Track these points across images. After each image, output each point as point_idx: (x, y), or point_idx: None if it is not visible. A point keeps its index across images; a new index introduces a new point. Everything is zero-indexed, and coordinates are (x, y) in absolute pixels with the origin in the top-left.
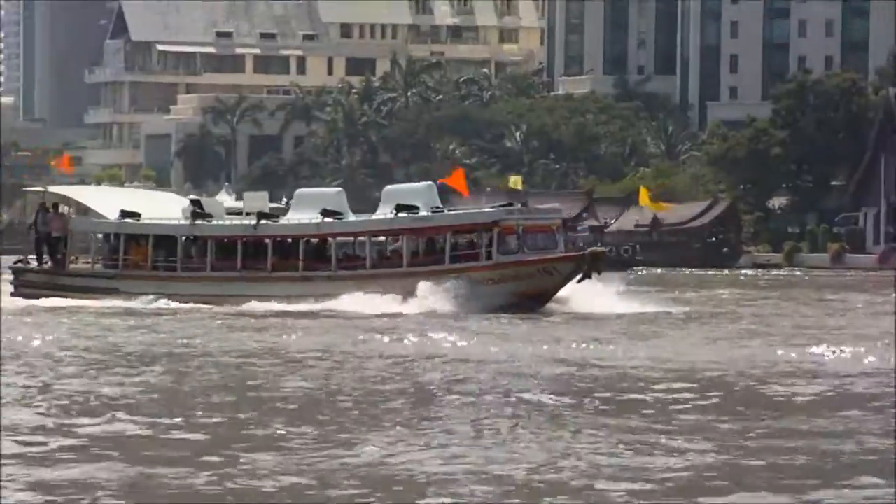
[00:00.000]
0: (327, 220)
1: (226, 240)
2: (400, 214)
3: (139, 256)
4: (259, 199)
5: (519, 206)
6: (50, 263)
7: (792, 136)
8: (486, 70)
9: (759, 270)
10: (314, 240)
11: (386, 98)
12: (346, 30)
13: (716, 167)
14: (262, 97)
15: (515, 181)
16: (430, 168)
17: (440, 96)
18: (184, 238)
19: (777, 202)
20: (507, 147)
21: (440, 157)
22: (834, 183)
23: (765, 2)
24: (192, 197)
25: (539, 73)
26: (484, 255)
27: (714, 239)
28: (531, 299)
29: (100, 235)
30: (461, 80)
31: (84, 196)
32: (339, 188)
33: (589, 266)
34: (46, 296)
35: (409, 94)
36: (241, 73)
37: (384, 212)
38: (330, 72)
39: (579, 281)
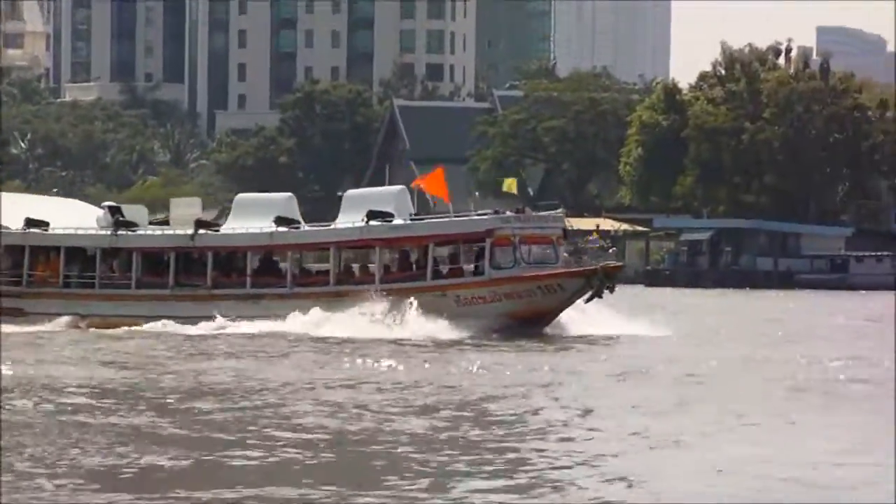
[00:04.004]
0: (282, 229)
1: (156, 252)
2: (372, 223)
3: (48, 272)
4: (191, 206)
5: (514, 213)
6: None
7: (299, 146)
8: None
9: None
10: (265, 252)
11: None
12: None
13: (224, 175)
14: None
15: (510, 184)
16: None
17: None
18: (102, 251)
19: None
20: (12, 154)
21: None
22: (340, 193)
23: (272, 12)
24: (109, 203)
25: (45, 79)
26: (473, 270)
27: None
28: (530, 320)
29: None
30: None
31: None
32: (290, 193)
33: (600, 283)
34: None
35: None
36: None
37: (350, 220)
38: None
39: (588, 300)
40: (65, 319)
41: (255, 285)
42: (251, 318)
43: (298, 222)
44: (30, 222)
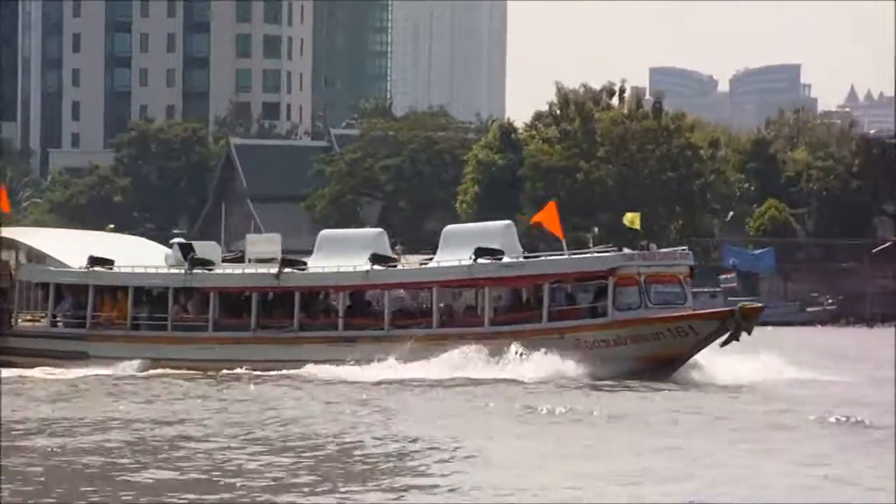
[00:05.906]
0: (377, 267)
1: (236, 292)
2: (480, 260)
3: (115, 313)
4: (269, 243)
5: (638, 251)
6: None
7: (134, 184)
8: None
9: None
10: (357, 292)
11: None
12: None
13: (59, 214)
14: None
15: (632, 219)
16: None
17: None
18: (175, 290)
19: None
20: None
21: None
22: (176, 231)
23: (105, 49)
24: (180, 240)
25: None
26: (591, 311)
27: None
28: (658, 365)
29: (37, 287)
30: None
31: (36, 240)
32: (380, 229)
33: (738, 325)
34: None
35: None
36: None
37: (454, 257)
38: None
39: (723, 344)
40: (135, 364)
41: (348, 327)
42: (343, 361)
43: (395, 260)
44: (94, 260)
